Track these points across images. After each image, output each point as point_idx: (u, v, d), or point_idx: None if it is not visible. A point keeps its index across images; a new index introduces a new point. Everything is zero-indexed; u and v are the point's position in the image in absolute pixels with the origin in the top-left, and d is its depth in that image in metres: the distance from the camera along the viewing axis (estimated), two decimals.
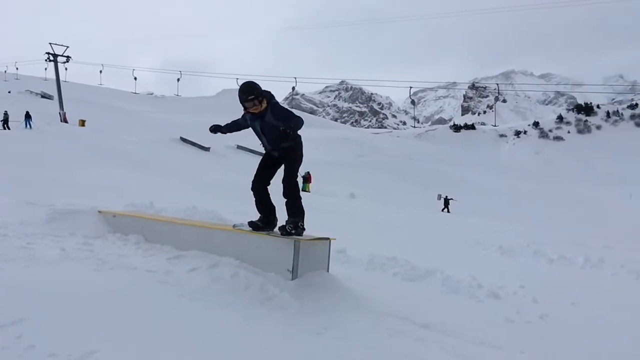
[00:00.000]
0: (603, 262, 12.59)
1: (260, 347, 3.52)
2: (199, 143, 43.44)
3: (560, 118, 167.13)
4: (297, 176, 5.48)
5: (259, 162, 5.81)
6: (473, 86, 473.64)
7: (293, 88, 28.97)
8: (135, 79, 62.87)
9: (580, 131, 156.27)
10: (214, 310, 4.12)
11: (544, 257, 12.92)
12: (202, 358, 3.23)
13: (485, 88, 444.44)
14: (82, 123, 41.05)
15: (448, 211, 35.17)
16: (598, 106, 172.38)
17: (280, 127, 5.00)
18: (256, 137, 5.69)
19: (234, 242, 5.47)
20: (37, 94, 79.91)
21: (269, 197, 5.69)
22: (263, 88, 5.40)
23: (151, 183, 16.63)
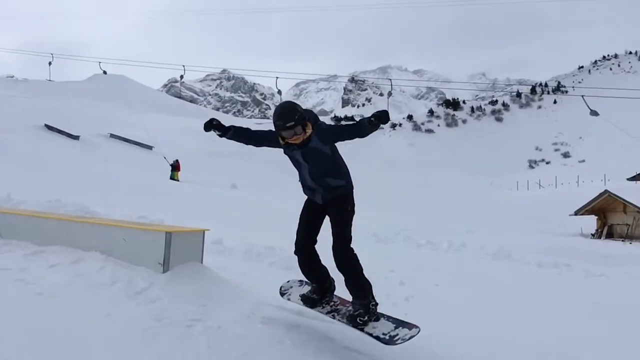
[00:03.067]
0: (465, 246, 13.74)
1: (124, 343, 3.39)
2: (66, 131, 40.42)
3: (431, 112, 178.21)
4: (351, 239, 4.15)
5: (300, 213, 4.41)
6: (353, 79, 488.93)
7: (181, 77, 27.72)
8: None
9: (448, 124, 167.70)
10: (76, 307, 3.88)
11: (413, 243, 13.81)
12: (60, 357, 3.04)
13: (364, 82, 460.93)
14: None
15: None
16: (464, 102, 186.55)
17: (366, 121, 3.69)
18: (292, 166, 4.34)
19: (100, 236, 5.18)
20: None
21: (319, 260, 4.40)
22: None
23: (9, 174, 15.19)
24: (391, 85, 30.65)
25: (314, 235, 4.31)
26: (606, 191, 33.39)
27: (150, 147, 45.22)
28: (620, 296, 9.46)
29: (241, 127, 4.32)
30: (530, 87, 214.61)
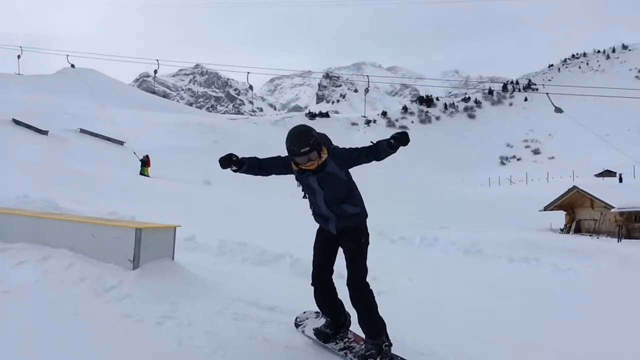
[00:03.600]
0: (437, 241, 13.91)
1: (93, 340, 3.34)
2: (34, 125, 39.45)
3: (405, 109, 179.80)
4: (366, 273, 3.96)
5: (313, 243, 4.23)
6: (327, 75, 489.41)
7: (155, 71, 27.29)
8: None
9: (422, 121, 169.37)
10: (44, 305, 3.82)
11: (387, 238, 13.91)
12: (28, 356, 2.98)
13: (338, 78, 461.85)
14: None
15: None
16: (437, 99, 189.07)
17: (385, 142, 3.46)
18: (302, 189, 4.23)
19: (68, 232, 5.10)
20: None
21: (336, 294, 4.22)
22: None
23: None
24: (368, 81, 30.59)
25: (330, 265, 4.14)
26: (574, 187, 34.11)
27: (121, 143, 44.48)
28: (585, 289, 9.71)
29: (251, 159, 4.02)
30: (502, 84, 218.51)
